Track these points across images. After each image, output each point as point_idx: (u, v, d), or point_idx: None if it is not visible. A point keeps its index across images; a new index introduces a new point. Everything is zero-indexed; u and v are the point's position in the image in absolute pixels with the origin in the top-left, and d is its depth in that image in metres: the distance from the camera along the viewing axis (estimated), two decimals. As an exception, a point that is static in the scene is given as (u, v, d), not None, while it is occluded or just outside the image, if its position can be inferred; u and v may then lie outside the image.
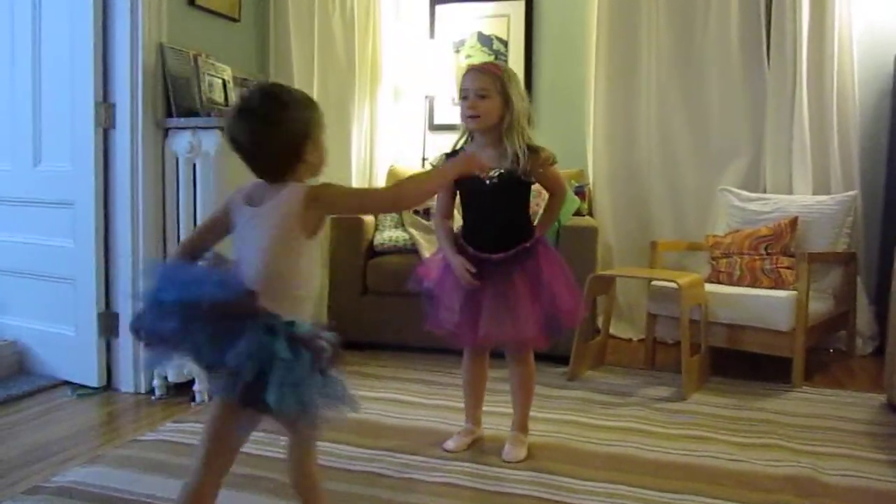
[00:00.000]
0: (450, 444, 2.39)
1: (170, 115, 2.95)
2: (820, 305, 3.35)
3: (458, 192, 2.33)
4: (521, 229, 2.28)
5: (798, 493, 2.08)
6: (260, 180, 1.57)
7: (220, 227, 1.61)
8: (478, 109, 2.18)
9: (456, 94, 4.34)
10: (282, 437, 2.42)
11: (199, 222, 2.89)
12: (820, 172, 3.82)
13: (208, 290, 1.39)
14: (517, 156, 2.17)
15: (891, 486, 2.15)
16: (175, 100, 2.95)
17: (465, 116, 2.23)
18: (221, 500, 1.70)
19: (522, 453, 2.32)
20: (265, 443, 2.39)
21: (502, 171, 2.20)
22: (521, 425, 2.41)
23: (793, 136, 3.85)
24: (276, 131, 1.50)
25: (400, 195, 1.75)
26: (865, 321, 3.76)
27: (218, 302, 1.38)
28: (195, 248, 1.63)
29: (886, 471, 2.26)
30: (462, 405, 2.51)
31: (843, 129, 3.80)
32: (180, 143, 2.90)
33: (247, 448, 2.32)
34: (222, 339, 1.37)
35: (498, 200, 2.24)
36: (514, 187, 2.24)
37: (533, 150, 2.21)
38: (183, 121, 2.91)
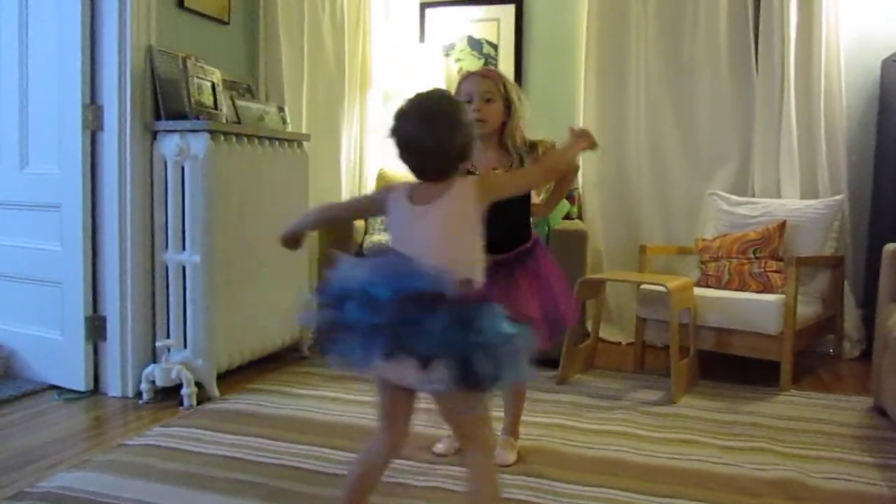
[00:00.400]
0: (439, 448, 2.38)
1: (158, 117, 2.94)
2: (808, 309, 3.37)
3: None
4: (522, 230, 2.30)
5: (786, 497, 2.08)
6: (418, 181, 1.64)
7: (365, 212, 1.89)
8: (484, 113, 2.20)
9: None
10: (281, 442, 2.42)
11: (189, 225, 2.89)
12: (808, 177, 3.85)
13: (429, 282, 1.44)
14: (519, 156, 2.22)
15: (878, 490, 2.16)
16: (164, 102, 2.94)
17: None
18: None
19: (512, 457, 2.33)
20: (260, 448, 2.39)
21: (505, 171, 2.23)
22: (512, 430, 2.41)
23: (781, 141, 3.87)
24: (459, 134, 1.59)
25: (545, 169, 1.90)
26: (853, 325, 3.78)
27: (440, 292, 1.43)
28: (334, 219, 1.78)
29: (874, 474, 2.27)
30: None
31: (830, 133, 3.83)
32: (169, 146, 2.89)
33: (242, 454, 2.33)
34: (441, 327, 1.41)
35: (501, 202, 2.24)
36: None
37: (532, 146, 2.25)
38: (171, 123, 2.90)
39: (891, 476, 2.25)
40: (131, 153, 2.87)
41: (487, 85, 2.21)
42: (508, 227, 2.25)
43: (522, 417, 2.45)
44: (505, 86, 2.23)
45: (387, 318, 1.42)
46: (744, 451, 2.43)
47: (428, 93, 1.66)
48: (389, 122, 1.63)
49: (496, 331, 1.44)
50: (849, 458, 2.39)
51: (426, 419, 2.68)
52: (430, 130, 1.58)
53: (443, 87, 4.31)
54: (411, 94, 1.64)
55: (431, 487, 2.13)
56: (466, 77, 2.28)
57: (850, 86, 3.88)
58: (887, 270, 2.86)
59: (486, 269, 2.18)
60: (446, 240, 1.60)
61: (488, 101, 2.21)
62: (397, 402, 1.68)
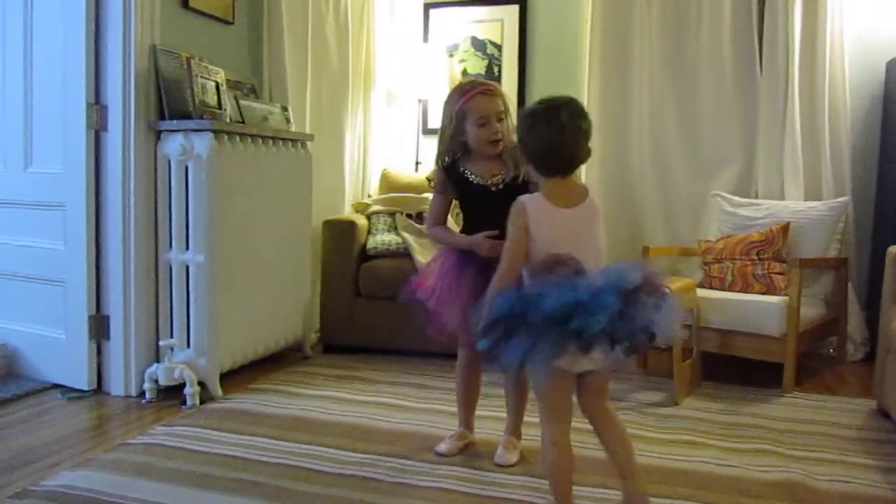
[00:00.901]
0: (442, 448, 2.38)
1: (162, 117, 2.95)
2: (811, 311, 3.36)
3: (458, 199, 2.35)
4: None
5: (788, 499, 2.08)
6: (550, 185, 1.83)
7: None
8: (500, 133, 2.22)
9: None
10: (284, 442, 2.42)
11: (193, 224, 2.90)
12: (811, 178, 3.84)
13: (638, 278, 1.67)
14: (515, 163, 2.23)
15: (881, 492, 2.15)
16: (167, 102, 2.94)
17: (485, 141, 2.23)
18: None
19: (514, 457, 2.33)
20: (262, 448, 2.39)
21: (506, 178, 2.26)
22: (515, 430, 2.41)
23: (784, 143, 3.86)
24: (589, 131, 1.81)
25: None
26: (856, 327, 3.77)
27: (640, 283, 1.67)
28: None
29: (876, 476, 2.26)
30: (454, 409, 2.51)
31: (834, 135, 3.82)
32: (172, 145, 2.89)
33: (244, 453, 2.33)
34: (646, 314, 1.65)
35: (503, 204, 2.25)
36: (517, 191, 2.25)
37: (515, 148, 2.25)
38: (175, 123, 2.91)
39: (893, 479, 2.24)
40: (135, 153, 2.88)
41: (498, 104, 2.22)
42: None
43: (525, 418, 2.44)
44: (505, 99, 2.25)
45: (610, 317, 1.61)
46: (746, 453, 2.43)
47: (562, 96, 1.82)
48: (526, 122, 1.82)
49: (669, 307, 1.69)
50: (851, 461, 2.39)
51: (419, 422, 2.70)
52: (582, 129, 1.78)
53: (445, 87, 4.32)
54: (541, 99, 1.84)
55: (434, 488, 2.12)
56: (471, 96, 2.22)
57: (855, 87, 3.87)
58: (891, 272, 2.86)
59: (488, 272, 2.21)
60: (600, 236, 1.85)
61: (501, 119, 2.22)
62: (570, 386, 1.85)
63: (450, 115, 2.26)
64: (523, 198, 1.83)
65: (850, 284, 3.72)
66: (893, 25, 3.74)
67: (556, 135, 1.77)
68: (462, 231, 2.35)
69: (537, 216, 1.79)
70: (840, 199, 3.67)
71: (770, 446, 2.49)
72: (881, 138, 3.90)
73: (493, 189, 2.26)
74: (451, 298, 2.26)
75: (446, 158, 2.32)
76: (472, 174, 2.28)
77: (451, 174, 2.31)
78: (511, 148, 2.24)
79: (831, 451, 2.46)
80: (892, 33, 3.75)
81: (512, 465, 2.29)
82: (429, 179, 2.39)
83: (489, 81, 2.29)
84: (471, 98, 2.22)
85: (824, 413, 2.87)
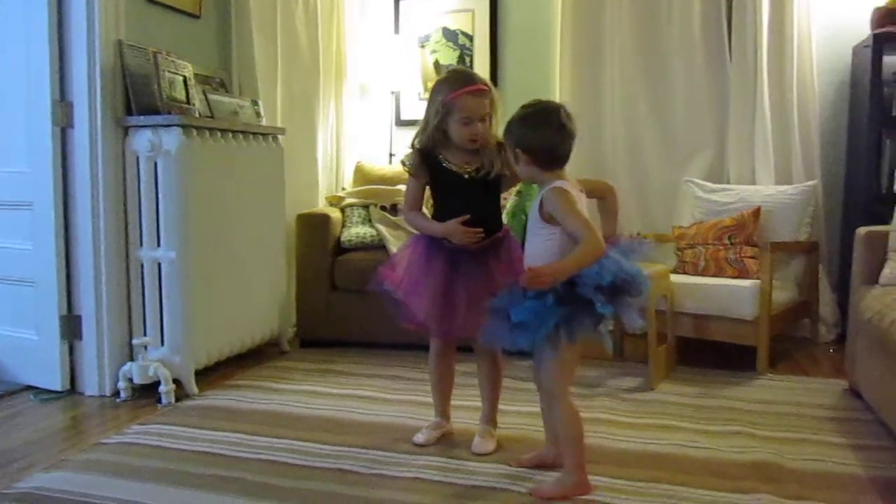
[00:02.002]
0: (419, 438, 2.39)
1: (130, 113, 2.91)
2: (783, 294, 3.40)
3: (430, 184, 2.35)
4: (494, 221, 2.33)
5: (762, 479, 2.11)
6: (560, 172, 2.07)
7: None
8: (483, 134, 2.22)
9: (423, 90, 4.39)
10: (261, 437, 2.41)
11: (164, 221, 2.87)
12: (782, 163, 3.88)
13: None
14: (491, 159, 2.24)
15: (853, 470, 2.19)
16: (135, 98, 2.91)
17: (465, 140, 2.23)
18: (194, 502, 1.67)
19: (491, 446, 2.34)
20: (239, 444, 2.38)
21: (478, 167, 2.26)
22: (490, 418, 2.42)
23: (755, 129, 3.90)
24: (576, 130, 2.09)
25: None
26: (828, 309, 3.82)
27: None
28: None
29: (848, 455, 2.30)
30: (431, 400, 2.51)
31: (803, 120, 3.86)
32: (141, 141, 2.86)
33: (221, 450, 2.32)
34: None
35: (475, 194, 2.28)
36: (489, 181, 2.28)
37: (500, 145, 2.24)
38: (143, 119, 2.87)
39: (864, 457, 2.28)
40: (103, 149, 2.84)
41: (486, 106, 2.21)
42: (481, 217, 2.28)
43: (502, 406, 2.46)
44: (494, 99, 2.23)
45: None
46: (721, 435, 2.46)
47: (548, 100, 2.11)
48: (528, 123, 2.02)
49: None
50: (824, 440, 2.42)
51: (396, 414, 2.70)
52: (574, 126, 2.07)
53: (418, 78, 4.32)
54: (533, 103, 2.07)
55: (411, 479, 2.13)
56: (461, 93, 2.18)
57: (823, 73, 3.91)
58: (860, 254, 2.90)
59: (459, 260, 2.24)
60: None
61: (483, 120, 2.22)
62: None
63: (436, 106, 2.23)
64: (559, 183, 2.00)
65: (820, 267, 3.77)
66: (859, 12, 3.78)
67: (556, 134, 2.01)
68: (433, 218, 2.35)
69: (576, 197, 2.00)
70: (810, 183, 3.72)
71: (744, 428, 2.52)
72: (849, 122, 3.95)
73: (466, 176, 2.26)
74: (419, 288, 2.26)
75: (424, 142, 2.30)
76: (445, 161, 2.28)
77: (426, 157, 2.31)
78: (492, 145, 2.24)
79: (804, 431, 2.50)
80: (857, 19, 3.79)
81: (489, 454, 2.30)
82: (403, 163, 2.39)
83: (482, 80, 2.24)
84: (459, 96, 2.19)
85: (797, 394, 2.92)
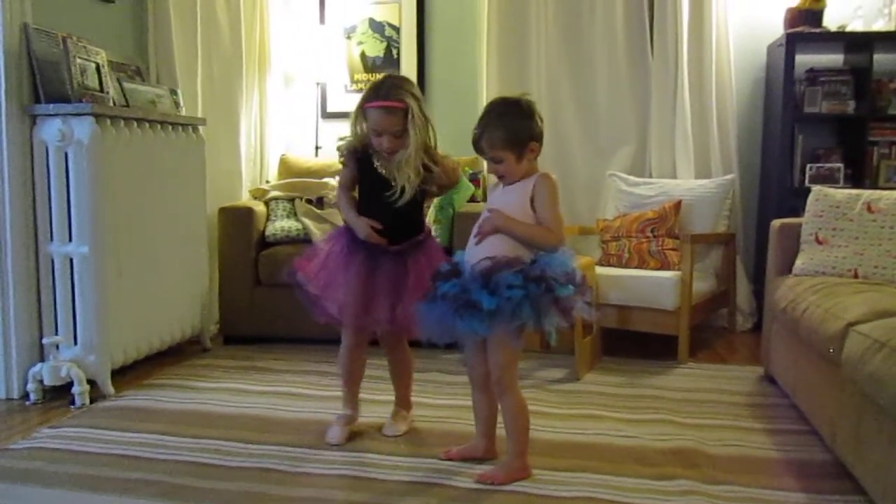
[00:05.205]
0: (333, 438, 2.34)
1: (38, 101, 2.76)
2: (703, 285, 3.49)
3: (360, 178, 2.33)
4: (415, 224, 2.34)
5: (684, 465, 2.16)
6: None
7: None
8: (394, 147, 2.20)
9: (349, 81, 4.33)
10: (179, 438, 2.33)
11: (75, 214, 2.74)
12: (701, 157, 3.99)
13: None
14: (413, 178, 2.20)
15: (768, 454, 2.26)
16: (43, 85, 2.76)
17: (377, 149, 2.22)
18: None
19: (404, 427, 2.40)
20: (157, 445, 2.30)
21: (408, 184, 2.22)
22: (404, 401, 2.48)
23: (676, 123, 3.99)
24: None
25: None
26: (745, 299, 3.95)
27: None
28: None
29: (765, 439, 2.38)
30: (360, 395, 2.48)
31: (721, 116, 3.98)
32: (50, 131, 2.72)
33: (138, 452, 2.24)
34: None
35: (394, 207, 2.25)
36: (413, 197, 2.26)
37: (427, 170, 2.24)
38: (52, 107, 2.73)
39: (779, 440, 2.37)
40: (8, 139, 2.69)
41: (395, 122, 2.16)
42: (402, 220, 2.28)
43: (426, 400, 2.47)
44: (412, 115, 2.17)
45: None
46: (645, 423, 2.51)
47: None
48: (527, 112, 2.07)
49: None
50: (742, 426, 2.50)
51: (324, 410, 2.64)
52: None
53: (344, 69, 4.26)
54: (506, 98, 2.11)
55: (336, 475, 2.09)
56: (371, 105, 2.17)
57: (739, 70, 4.04)
58: (774, 245, 3.00)
59: (379, 257, 2.24)
60: None
61: (397, 136, 2.18)
62: None
63: (358, 113, 2.24)
64: (546, 172, 2.09)
65: (738, 258, 3.89)
66: (773, 11, 3.92)
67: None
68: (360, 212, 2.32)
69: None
70: (727, 177, 3.83)
71: (667, 416, 2.58)
72: (764, 118, 4.09)
73: (392, 184, 2.22)
74: (335, 282, 2.25)
75: (353, 142, 2.29)
76: (378, 163, 2.27)
77: (359, 152, 2.29)
78: (410, 163, 2.19)
79: (723, 418, 2.57)
80: (772, 18, 3.93)
81: (400, 435, 2.36)
82: (339, 150, 2.36)
83: (399, 96, 2.17)
84: (369, 107, 2.19)
85: (716, 381, 3.00)
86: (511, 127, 2.02)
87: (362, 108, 2.21)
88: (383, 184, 2.24)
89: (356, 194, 2.36)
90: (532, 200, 2.03)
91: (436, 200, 3.20)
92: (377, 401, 2.62)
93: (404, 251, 2.27)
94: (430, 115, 2.27)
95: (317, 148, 4.31)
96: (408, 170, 2.20)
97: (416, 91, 2.23)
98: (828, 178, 3.71)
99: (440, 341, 2.05)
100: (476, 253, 2.02)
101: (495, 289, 1.91)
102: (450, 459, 2.19)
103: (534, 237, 2.01)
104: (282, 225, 3.65)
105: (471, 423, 2.25)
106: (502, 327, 1.94)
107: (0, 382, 2.76)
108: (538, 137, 2.07)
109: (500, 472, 2.06)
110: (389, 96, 2.17)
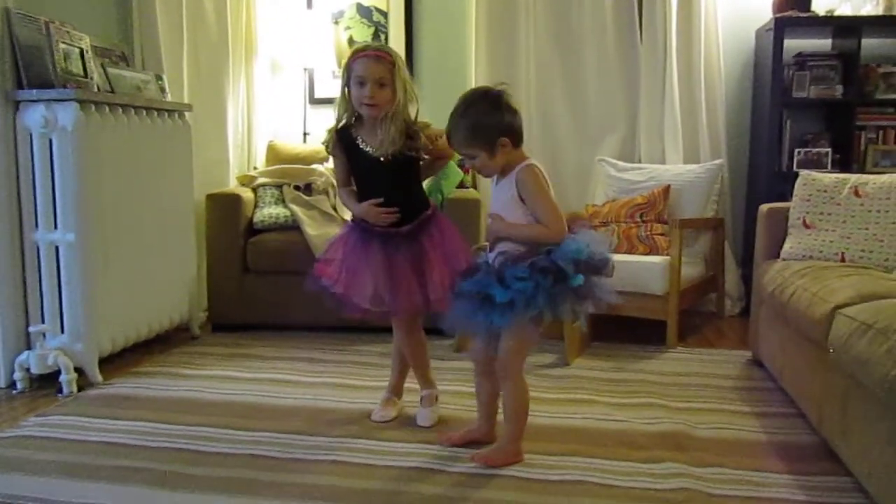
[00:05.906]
0: (377, 416, 2.40)
1: (20, 87, 2.73)
2: (691, 270, 3.50)
3: (349, 166, 2.32)
4: (418, 200, 2.32)
5: (672, 448, 2.17)
6: (519, 149, 2.08)
7: None
8: (377, 99, 2.17)
9: (336, 68, 4.29)
10: (169, 425, 2.32)
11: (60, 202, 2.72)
12: (690, 143, 3.99)
13: None
14: (396, 138, 2.20)
15: (756, 436, 2.28)
16: (26, 70, 2.72)
17: (360, 103, 2.20)
18: (97, 494, 1.58)
19: (392, 413, 2.43)
20: (146, 433, 2.29)
21: (395, 151, 2.21)
22: (396, 388, 2.50)
23: (665, 108, 3.99)
24: None
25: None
26: (733, 283, 3.97)
27: None
28: None
29: (752, 422, 2.39)
30: (347, 382, 2.49)
31: (710, 101, 3.99)
32: (33, 117, 2.68)
33: (127, 439, 2.23)
34: None
35: (393, 177, 2.26)
36: (404, 163, 2.26)
37: (414, 132, 2.23)
38: (35, 93, 2.69)
39: (767, 423, 2.38)
40: (-10, 125, 2.65)
41: (381, 70, 2.16)
42: (404, 198, 2.27)
43: (408, 384, 2.47)
44: (395, 70, 2.18)
45: None
46: (634, 407, 2.52)
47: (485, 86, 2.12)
48: (504, 104, 2.01)
49: None
50: (730, 409, 2.52)
51: (315, 397, 2.64)
52: None
53: (331, 55, 4.22)
54: (476, 89, 2.11)
55: (327, 462, 2.09)
56: (358, 57, 2.19)
57: (728, 55, 4.04)
58: (762, 230, 3.01)
59: (392, 243, 2.23)
60: None
61: (382, 85, 2.17)
62: None
63: (343, 75, 2.23)
64: (531, 161, 2.03)
65: (726, 243, 3.91)
66: (761, -4, 3.93)
67: (516, 111, 2.03)
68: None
69: (544, 173, 2.04)
70: (716, 162, 3.84)
71: (655, 400, 2.59)
72: (752, 103, 4.09)
73: (381, 159, 2.23)
74: (359, 279, 2.24)
75: (340, 116, 2.28)
76: (363, 142, 2.25)
77: (342, 138, 2.28)
78: (398, 121, 2.19)
79: (711, 401, 2.59)
80: (760, 3, 3.93)
81: (389, 421, 2.37)
82: (324, 143, 2.34)
83: (386, 49, 2.22)
84: (355, 59, 2.19)
85: (705, 365, 3.02)
86: (478, 125, 1.99)
87: (347, 66, 2.20)
88: (372, 162, 2.24)
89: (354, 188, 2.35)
90: (521, 197, 2.01)
91: (424, 186, 3.19)
92: (367, 387, 2.61)
93: (416, 232, 2.26)
94: (417, 90, 2.27)
95: (305, 134, 4.28)
96: (391, 126, 2.18)
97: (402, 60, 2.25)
98: (816, 163, 3.73)
99: (466, 334, 2.08)
100: (495, 250, 2.07)
101: (507, 282, 1.93)
102: (452, 445, 2.19)
103: (533, 237, 2.01)
104: (270, 212, 3.63)
105: (464, 409, 2.26)
106: (517, 319, 1.95)
107: (-13, 371, 2.74)
108: (508, 131, 2.00)
109: (494, 455, 2.07)
110: (372, 49, 2.20)
